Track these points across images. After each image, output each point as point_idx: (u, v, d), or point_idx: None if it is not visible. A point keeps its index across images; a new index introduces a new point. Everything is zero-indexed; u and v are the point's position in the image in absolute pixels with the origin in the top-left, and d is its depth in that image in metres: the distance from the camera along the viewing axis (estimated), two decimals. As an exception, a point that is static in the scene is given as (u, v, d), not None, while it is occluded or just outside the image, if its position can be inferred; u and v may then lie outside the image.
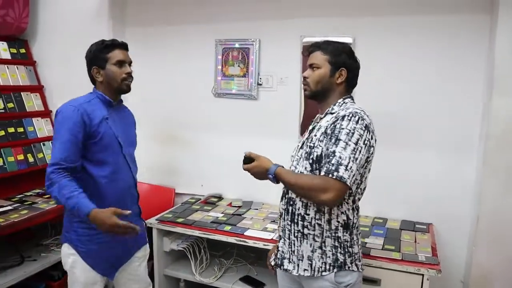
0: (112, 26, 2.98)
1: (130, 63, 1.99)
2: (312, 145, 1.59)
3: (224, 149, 2.87)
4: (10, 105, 2.91)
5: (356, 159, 1.47)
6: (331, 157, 1.47)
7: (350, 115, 1.51)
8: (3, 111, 2.85)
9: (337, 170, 1.44)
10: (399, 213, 2.55)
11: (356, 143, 1.48)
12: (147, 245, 2.17)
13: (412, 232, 2.34)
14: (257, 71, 2.74)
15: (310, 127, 1.71)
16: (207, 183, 2.99)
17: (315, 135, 1.61)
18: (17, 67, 3.05)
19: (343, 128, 1.49)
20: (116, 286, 2.11)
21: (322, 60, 1.64)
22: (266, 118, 2.76)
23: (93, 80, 1.98)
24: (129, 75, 1.96)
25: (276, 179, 1.59)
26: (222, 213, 2.63)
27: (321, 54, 1.65)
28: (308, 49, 1.70)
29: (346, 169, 1.44)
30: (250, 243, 2.27)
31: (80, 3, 3.02)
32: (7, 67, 2.98)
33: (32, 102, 3.05)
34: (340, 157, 1.45)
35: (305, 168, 1.60)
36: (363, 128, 1.50)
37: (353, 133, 1.48)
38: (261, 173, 1.62)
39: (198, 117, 2.96)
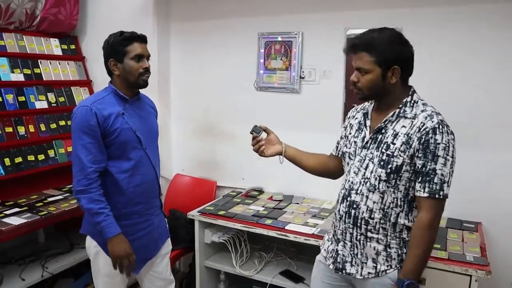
0: (157, 21, 3.04)
1: (148, 57, 1.93)
2: (390, 153, 1.52)
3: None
4: (61, 99, 3.05)
5: (453, 171, 1.50)
6: (431, 176, 1.46)
7: (439, 126, 1.47)
8: (54, 105, 2.98)
9: (442, 189, 1.46)
10: (445, 211, 2.44)
11: (452, 156, 1.48)
12: (169, 240, 2.16)
13: (459, 231, 2.25)
14: (299, 64, 2.72)
15: (376, 128, 1.58)
16: (248, 176, 3.00)
17: (393, 143, 1.52)
18: (67, 62, 3.19)
19: (438, 144, 1.46)
20: (139, 282, 2.13)
21: (370, 63, 1.49)
22: (309, 111, 2.74)
23: (109, 72, 1.93)
24: (147, 70, 1.90)
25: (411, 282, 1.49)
26: (263, 206, 2.63)
27: (368, 56, 1.49)
28: (352, 49, 1.54)
29: (448, 186, 1.48)
30: (291, 237, 2.26)
31: (126, 0, 3.11)
32: (59, 62, 3.12)
33: (81, 96, 3.18)
34: (442, 175, 1.46)
35: (379, 176, 1.54)
36: (453, 138, 1.50)
37: (449, 147, 1.47)
38: None
39: (240, 111, 2.97)
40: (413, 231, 1.52)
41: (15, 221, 2.32)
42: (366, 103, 1.72)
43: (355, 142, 1.65)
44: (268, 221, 2.39)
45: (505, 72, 2.25)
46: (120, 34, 1.89)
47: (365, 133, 1.63)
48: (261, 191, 2.93)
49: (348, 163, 1.67)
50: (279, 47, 2.76)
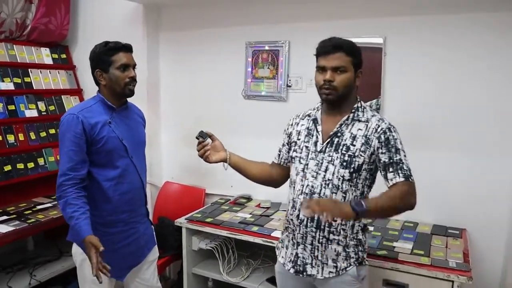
0: (147, 30, 3.09)
1: (134, 66, 1.94)
2: (352, 154, 1.62)
3: (254, 150, 2.84)
4: (51, 107, 3.08)
5: None
6: (400, 164, 1.60)
7: (391, 126, 1.65)
8: (45, 113, 3.01)
9: (411, 174, 1.60)
10: (431, 217, 2.47)
11: (404, 150, 1.65)
12: (156, 247, 2.16)
13: (444, 237, 2.27)
14: (286, 73, 2.76)
15: (331, 133, 1.67)
16: (236, 184, 3.01)
17: (353, 145, 1.63)
18: (58, 71, 3.22)
19: (396, 139, 1.63)
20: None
21: (348, 62, 1.60)
22: (295, 120, 2.76)
23: (97, 82, 1.94)
24: (133, 79, 1.91)
25: (365, 215, 1.53)
26: (250, 214, 2.65)
27: (345, 56, 1.59)
28: (333, 49, 1.60)
29: None
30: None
31: (116, 10, 3.15)
32: (49, 72, 3.16)
33: (71, 104, 3.20)
34: (407, 163, 1.62)
35: (343, 176, 1.62)
36: None
37: (401, 143, 1.64)
38: (343, 214, 1.48)
39: (228, 119, 3.00)
40: (393, 189, 1.59)
41: (3, 228, 2.33)
42: (308, 111, 1.80)
43: (306, 147, 1.71)
44: (255, 228, 2.41)
45: (482, 77, 2.29)
46: (105, 45, 1.90)
47: (317, 137, 1.70)
48: (249, 199, 2.95)
49: (297, 168, 1.71)
50: (266, 56, 2.80)
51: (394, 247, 2.13)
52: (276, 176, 1.91)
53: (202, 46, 3.04)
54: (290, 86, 2.76)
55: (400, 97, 2.47)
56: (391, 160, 1.60)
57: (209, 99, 3.07)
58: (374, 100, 2.50)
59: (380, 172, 1.65)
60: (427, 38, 2.37)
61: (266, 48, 2.79)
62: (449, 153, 2.39)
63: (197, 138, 1.87)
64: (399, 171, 1.59)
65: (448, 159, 2.40)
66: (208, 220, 2.54)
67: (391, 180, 1.60)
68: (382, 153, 1.61)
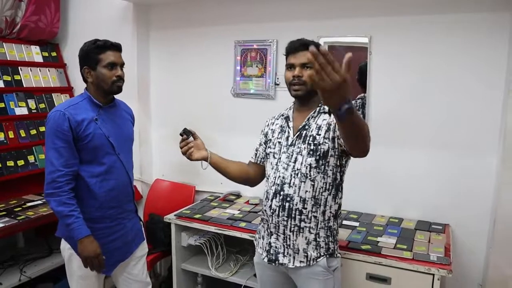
0: (137, 29, 3.11)
1: (122, 65, 1.95)
2: (317, 143, 1.71)
3: (243, 147, 2.89)
4: (42, 105, 3.09)
5: None
6: None
7: None
8: (35, 111, 3.03)
9: None
10: (415, 213, 2.53)
11: None
12: (145, 243, 2.19)
13: (427, 233, 2.32)
14: (274, 71, 2.79)
15: (300, 126, 1.76)
16: (226, 181, 3.00)
17: (319, 134, 1.72)
18: (48, 69, 3.24)
19: None
20: (115, 284, 2.16)
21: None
22: (283, 117, 2.80)
23: (85, 79, 1.96)
24: (120, 78, 1.93)
25: (347, 113, 1.24)
26: (238, 210, 2.69)
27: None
28: (296, 48, 1.73)
29: None
30: (264, 239, 2.32)
31: (107, 9, 3.17)
32: (39, 69, 3.17)
33: (62, 102, 3.21)
34: None
35: (310, 165, 1.70)
36: None
37: None
38: (338, 96, 1.19)
39: (218, 117, 3.04)
40: None
41: (-7, 225, 2.35)
42: (283, 111, 1.90)
43: (279, 142, 1.81)
44: (242, 224, 2.45)
45: (475, 78, 2.34)
46: (94, 42, 1.92)
47: (289, 133, 1.79)
48: (238, 196, 2.99)
49: (271, 162, 1.81)
50: (255, 55, 2.83)
51: (378, 241, 2.18)
52: (253, 174, 2.00)
53: (192, 45, 3.06)
54: (278, 84, 2.80)
55: (384, 95, 2.51)
56: None
57: (199, 97, 3.10)
58: (361, 95, 2.55)
59: (339, 140, 1.65)
60: (411, 37, 2.42)
61: (255, 46, 2.83)
62: (433, 150, 2.44)
63: (181, 134, 1.91)
64: None
65: (432, 156, 2.45)
66: (197, 216, 2.58)
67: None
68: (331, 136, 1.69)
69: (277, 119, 1.92)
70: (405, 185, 2.51)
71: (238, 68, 2.90)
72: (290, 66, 1.75)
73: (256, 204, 2.80)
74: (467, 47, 2.31)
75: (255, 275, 2.49)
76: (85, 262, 1.87)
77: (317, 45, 1.63)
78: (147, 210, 3.15)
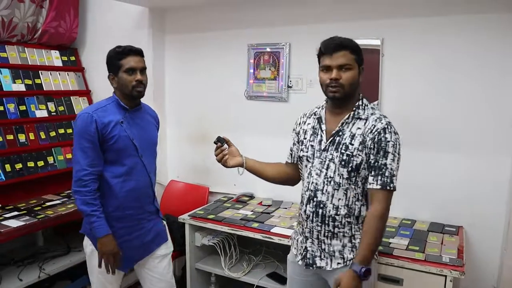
0: (152, 33, 3.18)
1: (142, 70, 1.99)
2: (350, 153, 1.66)
3: (256, 149, 2.93)
4: (61, 108, 3.18)
5: (399, 166, 1.66)
6: (383, 170, 1.62)
7: (388, 126, 1.65)
8: (54, 113, 3.11)
9: (392, 182, 1.62)
10: (428, 215, 2.52)
11: (399, 153, 1.65)
12: (169, 242, 2.22)
13: (440, 234, 2.31)
14: (287, 74, 2.82)
15: (334, 132, 1.71)
16: (239, 182, 3.08)
17: (351, 144, 1.67)
18: (67, 73, 3.33)
19: (388, 141, 1.62)
20: (140, 281, 2.22)
21: (353, 60, 1.63)
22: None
23: (112, 84, 2.04)
24: (140, 82, 1.97)
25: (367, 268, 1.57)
26: (251, 211, 2.72)
27: (350, 54, 1.63)
28: (336, 48, 1.63)
29: (396, 179, 1.64)
30: (276, 239, 2.35)
31: (124, 14, 3.24)
32: (59, 73, 3.27)
33: (80, 105, 3.31)
34: (391, 169, 1.62)
35: (341, 175, 1.68)
36: (399, 138, 1.67)
37: (396, 145, 1.64)
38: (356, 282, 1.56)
39: (231, 119, 3.08)
40: (367, 221, 1.64)
41: (14, 223, 2.43)
42: (314, 109, 1.84)
43: (312, 146, 1.76)
44: (255, 225, 2.48)
45: (482, 79, 2.33)
46: (115, 49, 1.99)
47: (321, 136, 1.74)
48: (251, 197, 3.02)
49: (306, 166, 1.77)
50: (268, 58, 2.87)
51: (390, 243, 2.19)
52: (293, 174, 1.95)
53: (206, 48, 3.12)
54: (290, 87, 2.83)
55: (397, 97, 2.52)
56: (375, 163, 1.63)
57: (213, 99, 3.15)
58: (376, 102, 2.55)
59: (366, 171, 1.68)
60: (423, 39, 2.42)
61: (268, 50, 2.87)
62: (447, 152, 2.44)
63: (215, 143, 1.94)
64: (379, 177, 1.62)
65: (446, 158, 2.44)
66: (211, 216, 2.62)
67: (370, 184, 1.65)
68: (371, 153, 1.64)
69: (309, 117, 1.84)
70: (417, 186, 2.50)
71: (252, 71, 2.93)
72: (325, 68, 1.66)
73: (269, 205, 2.82)
74: (480, 48, 2.30)
75: (267, 275, 2.54)
76: (101, 258, 1.94)
77: (352, 43, 1.65)
78: (162, 211, 3.14)
